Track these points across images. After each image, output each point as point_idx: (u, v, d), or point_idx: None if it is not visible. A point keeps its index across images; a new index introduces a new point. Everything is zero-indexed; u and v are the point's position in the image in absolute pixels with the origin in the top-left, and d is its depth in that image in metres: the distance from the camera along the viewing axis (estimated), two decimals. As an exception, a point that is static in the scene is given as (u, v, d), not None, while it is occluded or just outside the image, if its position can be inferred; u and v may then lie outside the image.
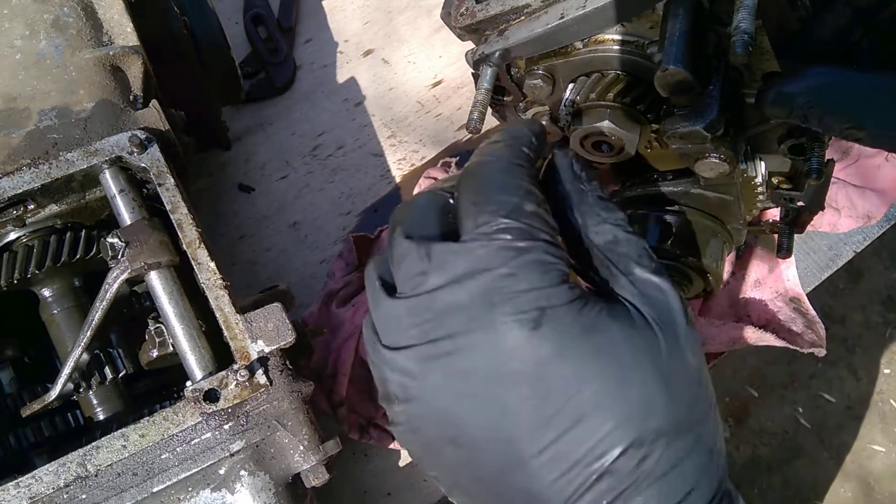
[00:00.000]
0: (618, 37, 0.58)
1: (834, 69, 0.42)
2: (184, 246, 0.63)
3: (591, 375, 0.41)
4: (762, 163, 0.64)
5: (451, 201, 0.47)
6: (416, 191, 0.93)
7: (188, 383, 0.60)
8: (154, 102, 0.70)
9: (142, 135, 0.65)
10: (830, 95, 0.43)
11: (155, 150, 0.65)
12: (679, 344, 0.43)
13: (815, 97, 0.43)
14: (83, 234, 0.67)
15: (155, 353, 0.64)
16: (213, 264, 0.63)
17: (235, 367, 0.59)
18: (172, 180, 0.65)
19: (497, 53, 0.61)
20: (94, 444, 0.58)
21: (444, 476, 0.47)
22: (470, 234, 0.43)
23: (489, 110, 0.64)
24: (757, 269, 0.88)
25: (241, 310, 0.62)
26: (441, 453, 0.45)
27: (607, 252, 0.46)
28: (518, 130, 0.48)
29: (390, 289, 0.46)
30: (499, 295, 0.41)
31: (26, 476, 0.57)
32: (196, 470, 0.60)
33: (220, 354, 0.62)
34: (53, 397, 0.63)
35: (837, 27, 0.43)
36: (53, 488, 0.57)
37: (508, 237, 0.42)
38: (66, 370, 0.62)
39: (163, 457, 0.59)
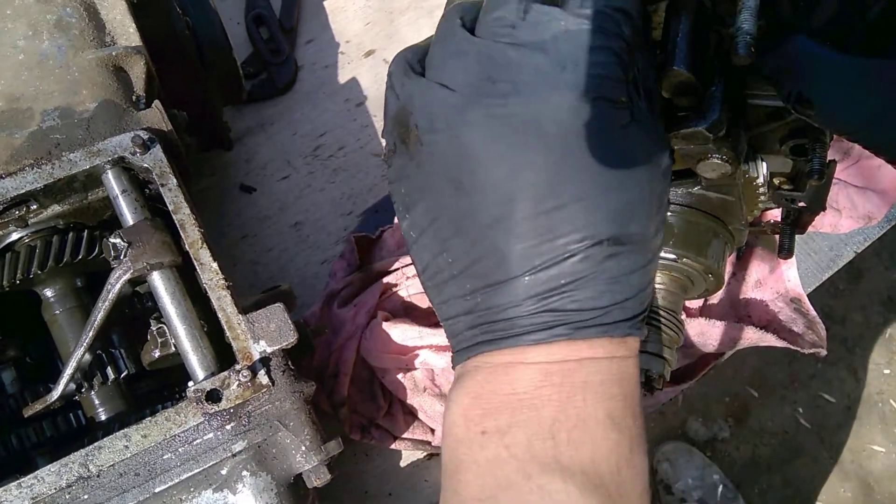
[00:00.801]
0: (620, 38, 0.58)
1: (812, 42, 0.43)
2: (186, 246, 0.63)
3: (603, 170, 0.44)
4: (764, 163, 0.64)
5: None
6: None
7: (190, 383, 0.60)
8: (157, 103, 0.70)
9: (144, 135, 0.65)
10: (797, 61, 0.44)
11: (157, 151, 0.66)
12: (668, 179, 0.49)
13: (785, 60, 0.45)
14: (85, 234, 0.68)
15: (157, 354, 0.64)
16: (215, 265, 0.63)
17: (237, 367, 0.59)
18: (175, 181, 0.65)
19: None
20: (96, 444, 0.58)
21: (422, 220, 0.49)
22: (572, 8, 0.44)
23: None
24: (758, 269, 0.88)
25: (244, 310, 0.62)
26: (436, 194, 0.47)
27: None
28: None
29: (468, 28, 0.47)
30: (574, 67, 0.43)
31: (28, 476, 0.57)
32: (198, 470, 0.60)
33: (223, 355, 0.62)
34: (55, 397, 0.63)
35: (827, 19, 0.43)
36: (55, 488, 0.57)
37: (607, 25, 0.44)
38: (68, 370, 0.63)
39: (165, 457, 0.59)
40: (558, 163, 0.43)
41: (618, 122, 0.44)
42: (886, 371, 2.09)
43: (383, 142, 0.99)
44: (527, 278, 0.45)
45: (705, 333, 0.84)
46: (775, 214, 0.84)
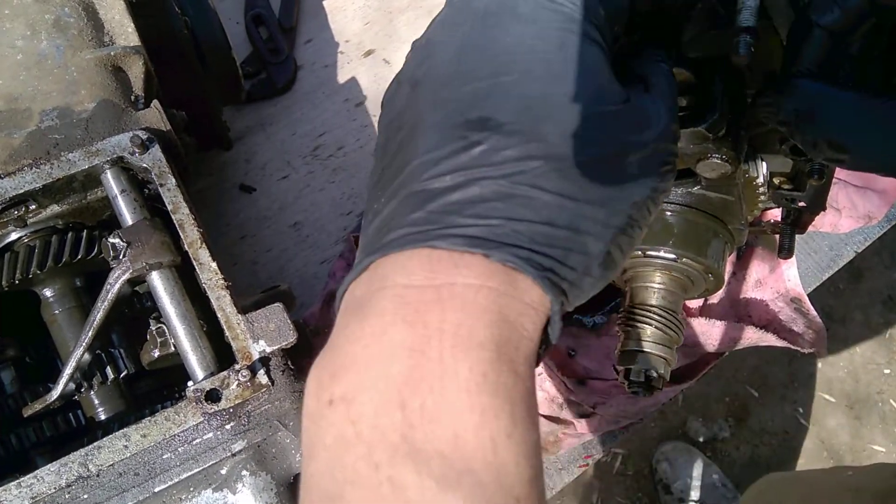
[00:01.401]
0: (619, 37, 0.58)
1: (821, 84, 0.42)
2: (185, 246, 0.63)
3: (546, 60, 0.39)
4: (764, 163, 0.64)
5: None
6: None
7: (190, 383, 0.60)
8: (155, 102, 0.70)
9: (143, 135, 0.65)
10: (816, 106, 0.42)
11: (156, 151, 0.65)
12: (631, 139, 0.41)
13: (802, 105, 0.42)
14: (84, 234, 0.67)
15: (156, 353, 0.64)
16: (214, 264, 0.63)
17: (237, 367, 0.59)
18: (174, 180, 0.65)
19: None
20: (95, 443, 0.58)
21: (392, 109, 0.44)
22: None
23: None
24: (758, 269, 0.88)
25: (243, 310, 0.62)
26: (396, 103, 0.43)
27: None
28: None
29: None
30: None
31: (28, 476, 0.57)
32: (198, 470, 0.60)
33: (222, 354, 0.62)
34: (55, 397, 0.63)
35: (816, 59, 0.43)
36: (55, 488, 0.57)
37: None
38: (68, 370, 0.63)
39: (164, 457, 0.59)
40: (484, 45, 0.40)
41: (564, 25, 0.40)
42: (886, 371, 2.09)
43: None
44: (420, 167, 0.38)
45: (705, 333, 0.84)
46: (775, 214, 0.84)
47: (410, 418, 0.33)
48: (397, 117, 0.42)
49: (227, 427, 0.60)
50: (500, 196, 0.37)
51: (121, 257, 0.62)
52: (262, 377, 0.60)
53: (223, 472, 0.60)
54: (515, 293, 0.37)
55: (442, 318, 0.35)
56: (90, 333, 0.62)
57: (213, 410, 0.58)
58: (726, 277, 0.87)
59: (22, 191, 0.63)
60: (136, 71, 0.72)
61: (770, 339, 0.84)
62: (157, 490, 0.59)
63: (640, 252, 0.65)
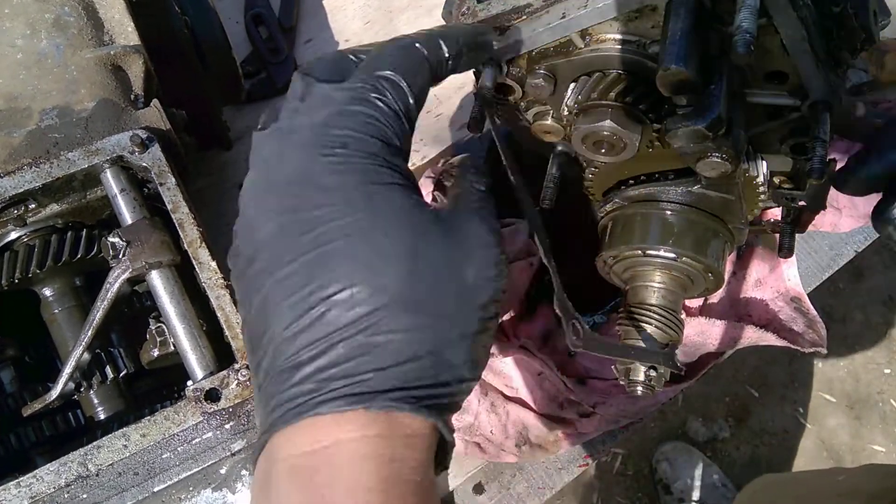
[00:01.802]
0: (619, 36, 0.58)
1: None
2: (185, 245, 0.63)
3: (355, 221, 0.42)
4: (764, 162, 0.64)
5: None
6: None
7: (189, 383, 0.60)
8: (155, 102, 0.70)
9: (143, 134, 0.65)
10: None
11: (156, 150, 0.65)
12: (459, 252, 0.44)
13: None
14: (84, 233, 0.67)
15: (156, 353, 0.64)
16: (214, 263, 0.63)
17: (237, 366, 0.59)
18: (173, 180, 0.65)
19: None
20: (95, 443, 0.58)
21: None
22: (344, 82, 0.47)
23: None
24: (758, 268, 0.88)
25: (243, 309, 0.62)
26: (237, 270, 0.47)
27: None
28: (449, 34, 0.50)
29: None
30: (321, 128, 0.44)
31: (27, 475, 0.57)
32: (197, 469, 0.60)
33: (221, 354, 0.62)
34: (54, 397, 0.63)
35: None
36: (54, 487, 0.57)
37: (363, 87, 0.45)
38: (67, 369, 0.63)
39: (164, 456, 0.59)
40: (300, 218, 0.43)
41: (364, 179, 0.43)
42: (887, 371, 2.09)
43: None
44: (284, 343, 0.42)
45: (705, 332, 0.84)
46: (775, 213, 0.83)
47: None
48: (246, 290, 0.45)
49: (227, 426, 0.60)
50: (364, 350, 0.41)
51: (120, 256, 0.62)
52: (261, 376, 0.60)
53: (222, 471, 0.60)
54: (398, 430, 0.41)
55: (332, 477, 0.40)
56: (90, 333, 0.62)
57: (212, 410, 0.58)
58: (726, 277, 0.87)
59: (21, 190, 0.63)
60: (135, 70, 0.72)
61: (770, 339, 0.84)
62: (156, 490, 0.59)
63: (639, 251, 0.65)
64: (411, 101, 0.46)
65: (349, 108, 0.45)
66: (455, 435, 0.80)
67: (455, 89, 1.03)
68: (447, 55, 0.49)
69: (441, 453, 0.46)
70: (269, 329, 0.43)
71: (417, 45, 0.48)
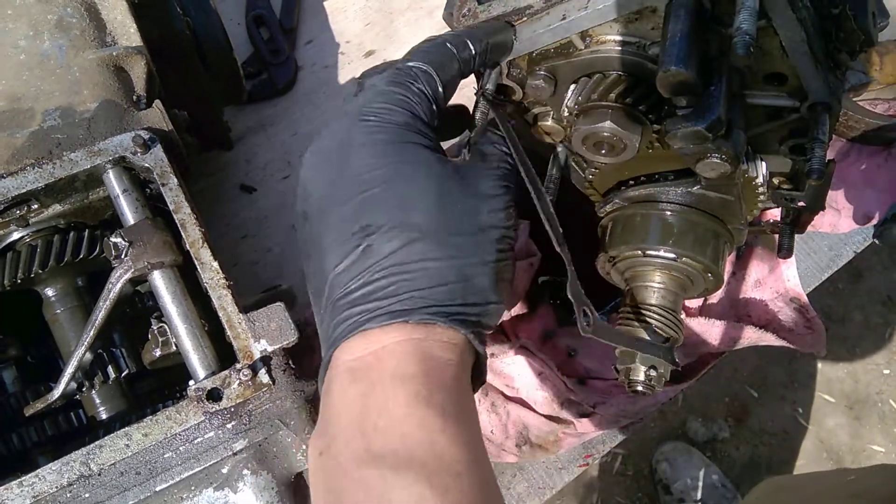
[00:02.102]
0: (619, 38, 0.58)
1: None
2: (187, 246, 0.63)
3: (380, 172, 0.51)
4: (763, 163, 0.64)
5: None
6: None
7: (191, 382, 0.60)
8: (157, 103, 0.70)
9: (145, 135, 0.65)
10: None
11: (158, 150, 0.66)
12: (473, 198, 0.53)
13: None
14: (86, 233, 0.68)
15: (158, 353, 0.64)
16: (215, 264, 0.63)
17: (238, 366, 0.60)
18: (175, 180, 0.65)
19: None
20: (97, 443, 0.59)
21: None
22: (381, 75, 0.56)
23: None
24: (757, 269, 0.89)
25: (244, 309, 0.62)
26: (299, 228, 0.56)
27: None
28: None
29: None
30: (361, 104, 0.54)
31: (30, 475, 0.57)
32: (199, 469, 0.60)
33: (223, 354, 0.62)
34: (57, 396, 0.63)
35: None
36: (57, 487, 0.57)
37: (398, 73, 0.55)
38: (70, 369, 0.63)
39: (166, 456, 0.60)
40: (344, 173, 0.52)
41: (396, 139, 0.52)
42: (886, 371, 2.09)
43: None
44: (337, 278, 0.50)
45: (705, 333, 0.84)
46: (775, 214, 0.84)
47: (368, 436, 0.47)
48: (304, 244, 0.55)
49: (229, 426, 0.61)
50: (402, 276, 0.50)
51: (122, 257, 0.62)
52: (263, 376, 0.60)
53: (224, 471, 0.60)
54: (434, 337, 0.50)
55: (380, 368, 0.48)
56: (92, 333, 0.62)
57: (214, 409, 0.59)
58: (726, 277, 0.87)
59: (24, 190, 0.63)
60: (138, 71, 0.72)
61: (769, 339, 0.84)
62: (158, 489, 0.59)
63: (639, 252, 0.65)
64: (440, 87, 0.55)
65: (385, 89, 0.54)
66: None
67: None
68: (473, 52, 0.57)
69: (476, 367, 0.54)
70: (324, 271, 0.51)
71: (448, 43, 0.57)
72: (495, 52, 0.60)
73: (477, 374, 0.54)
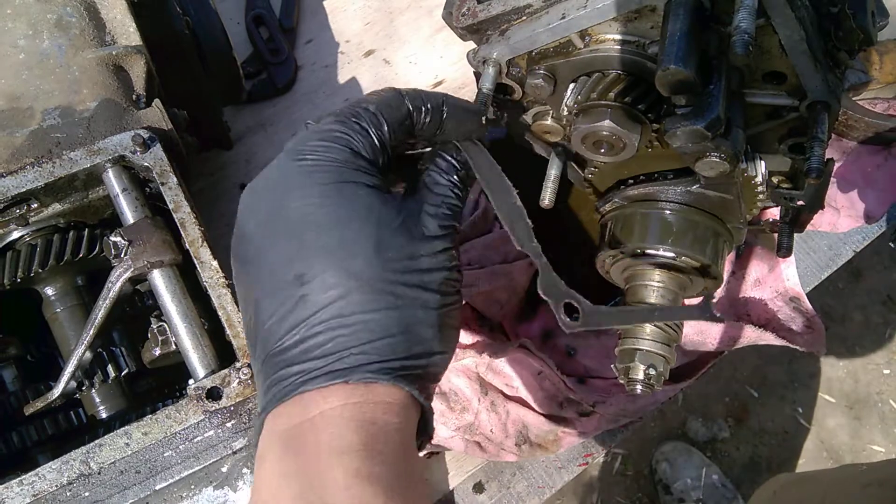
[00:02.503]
0: (619, 37, 0.58)
1: None
2: (186, 245, 0.63)
3: (310, 216, 0.48)
4: (762, 162, 0.64)
5: None
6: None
7: (191, 381, 0.60)
8: (157, 102, 0.70)
9: (145, 134, 0.65)
10: None
11: (158, 150, 0.66)
12: (414, 242, 0.49)
13: None
14: (86, 232, 0.68)
15: (158, 352, 0.64)
16: (215, 263, 0.63)
17: (238, 365, 0.60)
18: (175, 179, 0.65)
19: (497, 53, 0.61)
20: (97, 441, 0.59)
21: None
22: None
23: (491, 109, 0.64)
24: (757, 268, 0.89)
25: (244, 308, 0.62)
26: (236, 273, 0.52)
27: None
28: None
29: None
30: (301, 143, 0.50)
31: (30, 473, 0.57)
32: (199, 467, 0.60)
33: (223, 352, 0.62)
34: (56, 395, 0.64)
35: None
36: (57, 486, 0.57)
37: (341, 113, 0.52)
38: (69, 368, 0.63)
39: (165, 454, 0.60)
40: (278, 216, 0.48)
41: (332, 179, 0.48)
42: (886, 371, 2.09)
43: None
44: (271, 331, 0.47)
45: (704, 332, 0.84)
46: (774, 213, 0.84)
47: None
48: (238, 290, 0.51)
49: (228, 425, 0.61)
50: (340, 330, 0.46)
51: (122, 256, 0.62)
52: (262, 375, 0.60)
53: (224, 469, 0.61)
54: (376, 398, 0.46)
55: (317, 441, 0.44)
56: (91, 332, 0.62)
57: (214, 408, 0.59)
58: (725, 276, 0.87)
59: (24, 189, 0.63)
60: (137, 70, 0.72)
61: (769, 338, 0.84)
62: (158, 488, 0.59)
63: (639, 251, 0.65)
64: (384, 125, 0.52)
65: (323, 127, 0.51)
66: (455, 434, 0.81)
67: (455, 89, 1.03)
68: (427, 107, 0.54)
69: (422, 422, 0.50)
70: (259, 322, 0.48)
71: (401, 92, 0.54)
72: (456, 125, 0.56)
73: (423, 429, 0.51)
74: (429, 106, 0.54)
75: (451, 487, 0.85)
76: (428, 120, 0.54)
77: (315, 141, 0.50)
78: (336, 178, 0.49)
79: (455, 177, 0.55)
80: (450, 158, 0.55)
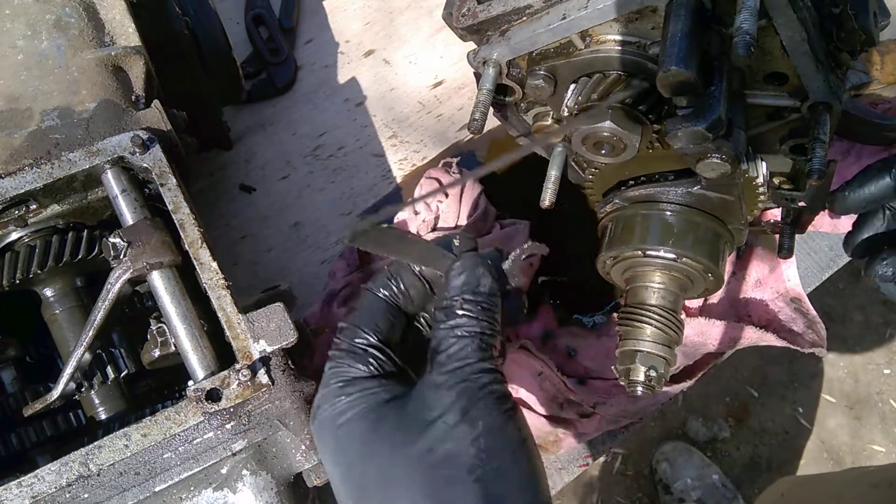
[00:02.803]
0: (619, 37, 0.58)
1: None
2: (186, 246, 0.63)
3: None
4: (763, 163, 0.64)
5: None
6: (417, 191, 0.94)
7: (190, 383, 0.60)
8: (156, 102, 0.70)
9: (144, 135, 0.65)
10: None
11: (157, 151, 0.66)
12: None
13: None
14: (85, 234, 0.68)
15: (157, 353, 0.64)
16: (215, 264, 0.63)
17: (237, 366, 0.59)
18: (174, 180, 0.65)
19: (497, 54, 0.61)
20: (96, 443, 0.58)
21: None
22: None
23: (491, 110, 0.64)
24: (758, 269, 0.88)
25: (243, 310, 0.62)
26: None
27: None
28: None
29: None
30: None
31: (29, 475, 0.57)
32: (198, 469, 0.60)
33: (222, 354, 0.62)
34: (55, 397, 0.63)
35: None
36: (56, 487, 0.57)
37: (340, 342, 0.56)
38: (69, 370, 0.63)
39: (165, 456, 0.59)
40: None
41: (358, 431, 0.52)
42: (886, 371, 2.09)
43: (384, 142, 1.00)
44: None
45: (705, 333, 0.84)
46: (775, 214, 0.84)
47: None
48: None
49: (228, 426, 0.60)
50: None
51: (121, 257, 0.62)
52: (262, 377, 0.60)
53: (223, 471, 0.60)
54: None
55: None
56: (91, 333, 0.62)
57: (213, 410, 0.58)
58: (726, 277, 0.87)
59: (23, 190, 0.63)
60: (136, 71, 0.72)
61: (770, 339, 0.84)
62: (157, 489, 0.59)
63: (639, 252, 0.65)
64: (372, 338, 0.55)
65: (327, 381, 0.55)
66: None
67: (455, 89, 1.03)
68: (404, 288, 0.57)
69: None
70: None
71: (375, 290, 0.58)
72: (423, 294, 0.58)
73: None
74: (404, 287, 0.57)
75: (451, 488, 0.84)
76: (413, 293, 0.58)
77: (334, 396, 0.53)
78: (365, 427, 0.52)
79: (450, 322, 0.53)
80: (435, 311, 0.55)
